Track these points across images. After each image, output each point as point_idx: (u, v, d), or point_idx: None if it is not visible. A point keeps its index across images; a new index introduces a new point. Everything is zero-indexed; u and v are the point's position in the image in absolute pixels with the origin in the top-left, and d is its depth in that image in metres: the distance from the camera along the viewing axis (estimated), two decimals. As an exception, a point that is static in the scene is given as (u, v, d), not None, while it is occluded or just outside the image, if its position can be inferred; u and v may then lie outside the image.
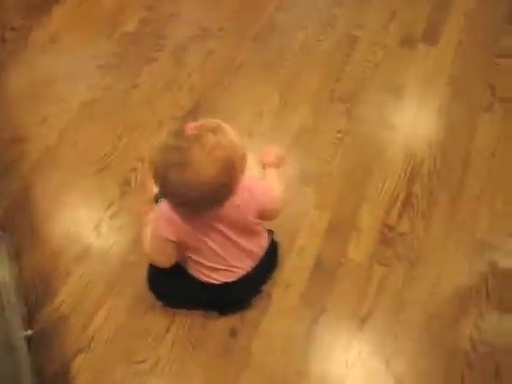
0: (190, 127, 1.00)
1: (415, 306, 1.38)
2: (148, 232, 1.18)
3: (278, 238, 1.40)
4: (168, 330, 1.37)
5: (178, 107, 1.78)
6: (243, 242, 1.20)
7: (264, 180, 1.29)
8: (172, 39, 1.96)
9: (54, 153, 1.70)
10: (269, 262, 1.35)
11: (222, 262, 1.22)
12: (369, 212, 1.53)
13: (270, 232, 1.35)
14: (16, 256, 1.49)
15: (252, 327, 1.36)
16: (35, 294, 1.44)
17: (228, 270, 1.24)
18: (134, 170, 1.65)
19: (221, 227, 1.14)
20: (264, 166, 1.31)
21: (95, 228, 1.55)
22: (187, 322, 1.38)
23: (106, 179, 1.64)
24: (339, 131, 1.69)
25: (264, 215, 1.22)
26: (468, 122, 1.70)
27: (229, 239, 1.17)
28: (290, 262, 1.45)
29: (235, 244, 1.19)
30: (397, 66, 1.85)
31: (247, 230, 1.20)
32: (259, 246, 1.28)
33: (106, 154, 1.69)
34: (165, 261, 1.21)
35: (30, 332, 1.33)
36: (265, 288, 1.40)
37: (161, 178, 1.01)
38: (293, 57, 1.89)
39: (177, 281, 1.28)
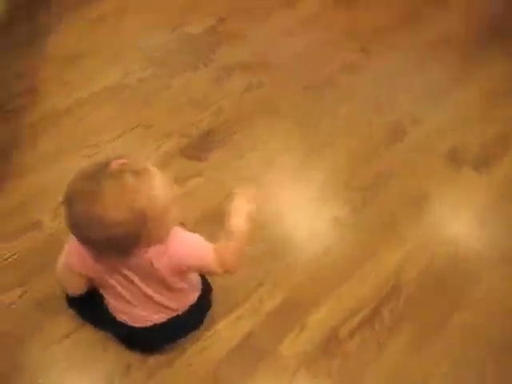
0: (117, 162, 0.92)
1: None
2: (63, 254, 1.09)
3: (217, 298, 1.28)
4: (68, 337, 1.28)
5: (194, 126, 1.71)
6: (157, 296, 1.09)
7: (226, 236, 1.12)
8: (224, 58, 1.91)
9: (58, 119, 1.67)
10: (191, 320, 1.23)
11: (128, 308, 1.11)
12: (326, 310, 1.38)
13: (207, 290, 1.24)
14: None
15: (148, 372, 1.24)
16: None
17: (134, 316, 1.13)
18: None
19: (131, 276, 1.04)
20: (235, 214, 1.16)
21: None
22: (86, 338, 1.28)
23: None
24: (336, 218, 1.56)
25: (199, 271, 1.11)
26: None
27: (139, 289, 1.07)
28: (218, 326, 1.33)
29: (146, 295, 1.09)
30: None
31: (164, 286, 1.08)
32: (179, 302, 1.16)
33: (102, 143, 1.63)
34: (72, 289, 1.13)
35: None
36: (182, 341, 1.28)
37: (67, 205, 0.92)
38: (332, 123, 1.78)
39: (93, 305, 1.19)
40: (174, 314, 1.17)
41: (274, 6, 2.17)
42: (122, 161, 0.92)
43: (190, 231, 1.32)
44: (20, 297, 1.33)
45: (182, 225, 1.12)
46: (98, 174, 0.90)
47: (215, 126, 1.71)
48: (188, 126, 1.70)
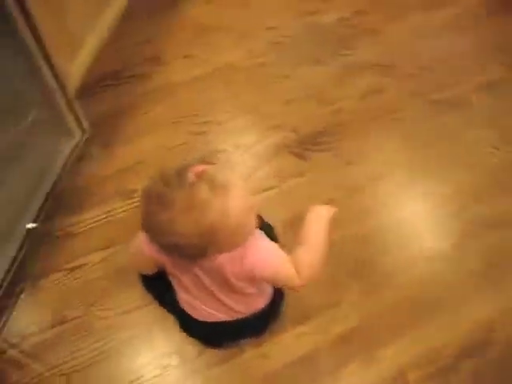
0: (197, 169, 0.88)
1: None
2: (138, 234, 1.09)
3: (288, 307, 1.24)
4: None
5: (305, 123, 1.64)
6: (225, 298, 1.06)
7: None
8: (352, 55, 1.81)
9: (173, 91, 1.69)
10: (256, 325, 1.20)
11: (195, 303, 1.10)
12: (400, 348, 1.29)
13: (279, 298, 1.20)
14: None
15: (204, 363, 1.24)
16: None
17: (200, 311, 1.12)
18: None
19: (201, 275, 1.02)
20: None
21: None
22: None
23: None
24: (435, 249, 1.43)
25: (272, 283, 1.07)
26: None
27: (208, 289, 1.05)
28: (283, 336, 1.29)
29: (215, 296, 1.06)
30: None
31: (233, 290, 1.05)
32: (247, 307, 1.13)
33: (211, 123, 1.63)
34: (142, 269, 1.14)
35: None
36: (242, 342, 1.26)
37: (142, 202, 0.91)
38: (451, 148, 1.63)
39: (163, 287, 1.19)
40: (240, 317, 1.15)
41: (415, 5, 2.00)
42: (202, 168, 0.89)
43: (278, 233, 1.29)
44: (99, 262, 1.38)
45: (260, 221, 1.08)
46: (175, 179, 0.87)
47: (327, 127, 1.63)
48: (299, 121, 1.64)
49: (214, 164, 0.92)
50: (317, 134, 1.61)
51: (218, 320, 1.13)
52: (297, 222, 1.10)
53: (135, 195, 1.49)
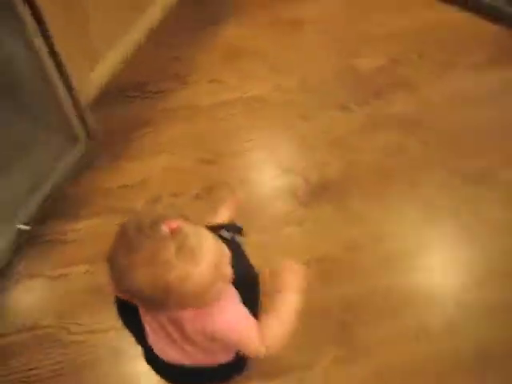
0: (171, 224, 0.84)
1: None
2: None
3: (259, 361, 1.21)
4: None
5: (317, 170, 1.59)
6: (186, 346, 1.02)
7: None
8: (381, 105, 1.74)
9: (194, 113, 1.68)
10: (221, 374, 1.17)
11: (158, 342, 1.06)
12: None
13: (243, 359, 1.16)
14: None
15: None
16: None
17: (163, 351, 1.08)
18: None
19: (163, 320, 0.99)
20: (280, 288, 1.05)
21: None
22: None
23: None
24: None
25: (233, 347, 1.05)
26: None
27: (169, 334, 1.01)
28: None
29: (175, 341, 1.02)
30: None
31: (194, 343, 1.01)
32: (210, 359, 1.10)
33: (223, 155, 1.62)
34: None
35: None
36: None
37: (114, 240, 0.88)
38: (475, 227, 1.56)
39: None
40: (203, 365, 1.12)
41: (464, 64, 1.85)
42: (178, 224, 0.86)
43: (263, 281, 1.26)
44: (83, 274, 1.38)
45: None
46: (148, 228, 0.84)
47: (338, 179, 1.58)
48: (311, 167, 1.60)
49: (190, 223, 0.89)
50: (327, 184, 1.57)
51: (183, 363, 1.11)
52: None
53: (130, 214, 1.48)
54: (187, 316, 0.95)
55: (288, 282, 1.03)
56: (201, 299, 0.89)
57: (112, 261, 0.88)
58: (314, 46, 1.88)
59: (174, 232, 0.84)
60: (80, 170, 1.52)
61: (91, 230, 1.47)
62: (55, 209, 1.48)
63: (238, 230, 1.24)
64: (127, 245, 0.85)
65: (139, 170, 1.58)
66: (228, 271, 0.90)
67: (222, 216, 1.35)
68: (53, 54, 1.15)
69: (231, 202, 1.40)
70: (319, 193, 1.54)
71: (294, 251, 1.44)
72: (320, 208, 1.52)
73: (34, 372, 1.28)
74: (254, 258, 1.12)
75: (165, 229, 0.84)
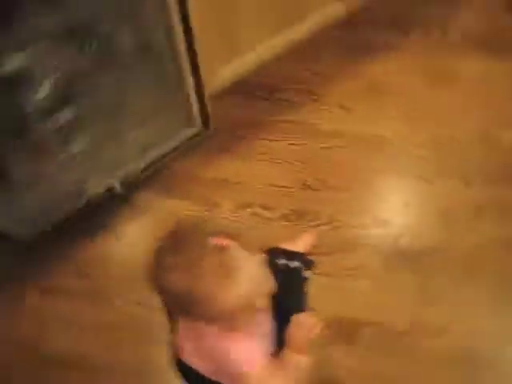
0: (222, 241, 0.84)
1: None
2: None
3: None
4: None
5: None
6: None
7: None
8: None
9: (308, 132, 1.65)
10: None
11: None
12: None
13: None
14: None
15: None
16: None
17: None
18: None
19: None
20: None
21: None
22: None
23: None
24: None
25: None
26: None
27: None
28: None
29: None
30: None
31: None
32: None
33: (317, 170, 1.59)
34: None
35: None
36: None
37: (165, 234, 0.89)
38: None
39: None
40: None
41: None
42: (226, 242, 0.85)
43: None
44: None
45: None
46: (200, 234, 0.86)
47: (430, 251, 1.46)
48: (408, 229, 1.51)
49: (243, 248, 0.87)
50: (417, 252, 1.46)
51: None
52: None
53: (214, 209, 1.49)
54: (211, 331, 0.93)
55: (296, 339, 0.95)
56: (222, 321, 0.87)
57: (158, 255, 0.89)
58: (461, 103, 1.73)
59: (221, 249, 0.84)
60: (186, 151, 1.55)
61: (171, 210, 1.50)
62: (151, 179, 1.53)
63: (307, 264, 1.19)
64: (176, 245, 0.86)
65: (239, 171, 1.57)
66: (261, 304, 0.87)
67: (299, 245, 1.31)
68: (188, 39, 1.17)
69: (313, 234, 1.35)
70: (405, 257, 1.44)
71: (353, 305, 1.37)
72: (400, 273, 1.42)
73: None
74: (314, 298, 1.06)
75: (214, 242, 0.85)
